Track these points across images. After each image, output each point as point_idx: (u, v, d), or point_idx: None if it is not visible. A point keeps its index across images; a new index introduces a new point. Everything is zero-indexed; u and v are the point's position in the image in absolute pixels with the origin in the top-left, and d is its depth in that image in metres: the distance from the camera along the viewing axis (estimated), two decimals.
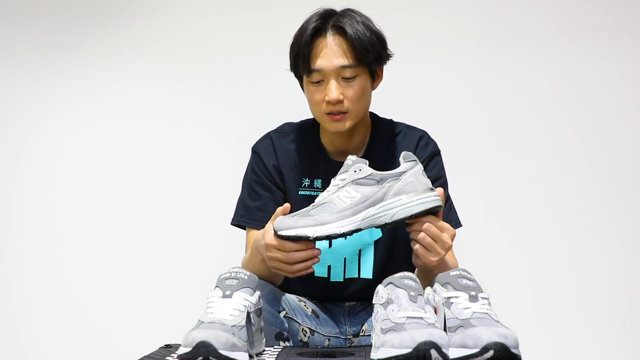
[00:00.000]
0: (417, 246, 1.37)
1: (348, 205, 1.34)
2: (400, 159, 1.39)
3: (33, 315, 2.35)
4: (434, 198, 1.36)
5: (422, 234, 1.36)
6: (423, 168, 1.40)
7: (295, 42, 1.57)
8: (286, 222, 1.33)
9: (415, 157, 1.40)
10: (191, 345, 1.13)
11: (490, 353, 1.07)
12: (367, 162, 1.39)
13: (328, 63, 1.53)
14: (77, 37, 2.38)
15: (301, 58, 1.54)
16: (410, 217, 1.34)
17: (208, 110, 2.36)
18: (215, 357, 1.12)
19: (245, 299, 1.24)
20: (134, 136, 2.37)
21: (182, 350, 1.14)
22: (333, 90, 1.53)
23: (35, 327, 2.35)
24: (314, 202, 1.58)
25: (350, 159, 1.41)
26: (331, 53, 1.53)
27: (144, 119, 2.37)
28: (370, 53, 1.55)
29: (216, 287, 1.27)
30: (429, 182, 1.38)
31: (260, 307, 1.31)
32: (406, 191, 1.35)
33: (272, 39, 2.30)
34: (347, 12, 1.58)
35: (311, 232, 1.32)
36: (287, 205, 1.39)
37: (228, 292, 1.24)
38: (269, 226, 1.38)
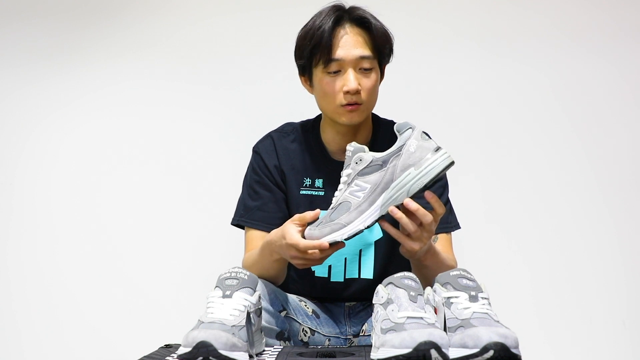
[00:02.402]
0: (393, 231, 1.37)
1: (362, 199, 1.34)
2: (395, 131, 1.37)
3: (33, 315, 2.35)
4: (441, 159, 1.32)
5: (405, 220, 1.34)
6: (421, 131, 1.36)
7: (311, 32, 1.54)
8: (313, 234, 1.35)
9: (410, 124, 1.36)
10: (191, 345, 1.13)
11: (490, 353, 1.07)
12: (366, 148, 1.38)
13: (348, 53, 1.53)
14: (77, 37, 2.38)
15: (322, 47, 1.52)
16: (426, 187, 1.32)
17: (208, 110, 2.36)
18: (215, 357, 1.12)
19: (246, 299, 1.24)
20: (134, 136, 2.37)
21: (182, 350, 1.14)
22: (352, 80, 1.52)
23: (35, 327, 2.35)
24: (313, 201, 1.58)
25: (349, 148, 1.39)
26: (351, 43, 1.53)
27: (144, 119, 2.37)
28: (387, 45, 1.58)
29: (216, 287, 1.27)
30: (432, 144, 1.34)
31: (260, 307, 1.31)
32: (412, 163, 1.32)
33: (272, 39, 2.30)
34: (359, 7, 1.58)
35: (339, 236, 1.33)
36: (317, 211, 1.39)
37: (228, 292, 1.24)
38: (289, 227, 1.39)
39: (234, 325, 1.19)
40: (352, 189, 1.36)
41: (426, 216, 1.34)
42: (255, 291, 1.28)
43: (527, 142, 2.33)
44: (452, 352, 1.10)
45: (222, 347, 1.13)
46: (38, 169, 2.38)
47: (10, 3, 2.39)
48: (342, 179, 1.39)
